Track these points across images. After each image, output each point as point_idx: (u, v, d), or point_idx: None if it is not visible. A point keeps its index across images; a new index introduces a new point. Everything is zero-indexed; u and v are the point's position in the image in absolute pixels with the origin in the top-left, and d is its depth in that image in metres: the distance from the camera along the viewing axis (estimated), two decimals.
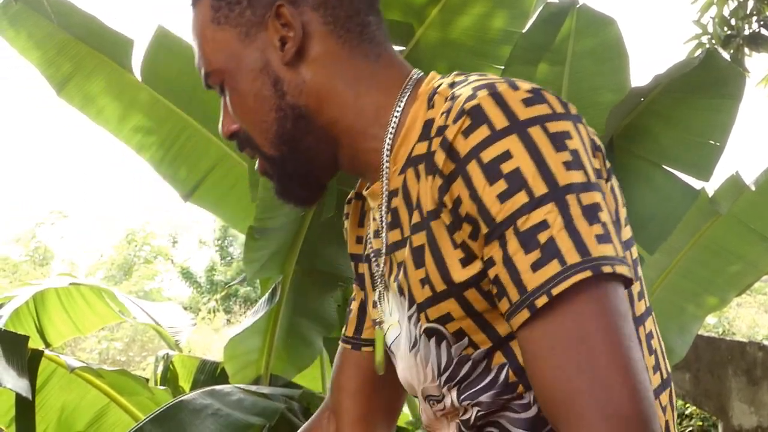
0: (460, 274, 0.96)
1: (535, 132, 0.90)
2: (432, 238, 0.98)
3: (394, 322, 1.13)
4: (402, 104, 1.08)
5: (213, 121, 3.66)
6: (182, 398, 2.80)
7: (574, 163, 0.90)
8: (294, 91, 1.08)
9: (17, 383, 2.59)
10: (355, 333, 1.35)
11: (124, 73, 3.65)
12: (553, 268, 0.86)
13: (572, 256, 0.86)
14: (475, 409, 1.02)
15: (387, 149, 1.07)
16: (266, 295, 3.53)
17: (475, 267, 0.94)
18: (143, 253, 19.62)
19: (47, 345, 4.26)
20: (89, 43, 3.60)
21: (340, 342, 1.39)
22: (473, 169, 0.91)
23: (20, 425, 2.87)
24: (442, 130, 0.95)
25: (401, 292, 1.06)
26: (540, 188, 0.88)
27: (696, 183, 3.26)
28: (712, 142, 3.25)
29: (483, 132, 0.91)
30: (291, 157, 1.12)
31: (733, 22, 6.61)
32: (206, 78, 1.14)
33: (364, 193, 1.16)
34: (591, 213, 0.88)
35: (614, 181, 1.04)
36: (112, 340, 12.25)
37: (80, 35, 3.58)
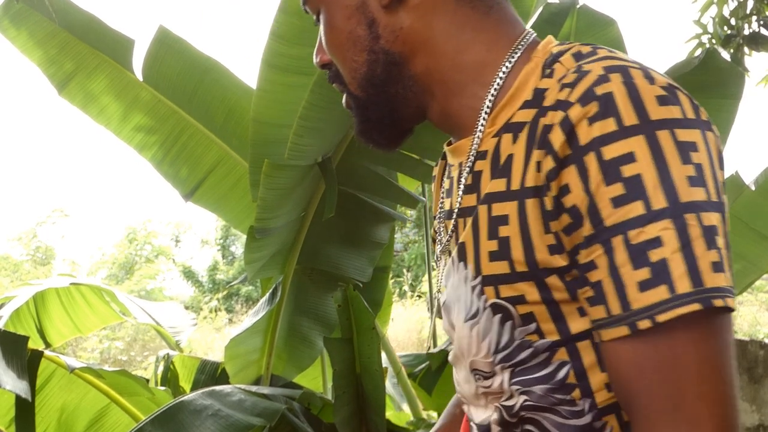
0: (546, 259, 0.91)
1: (664, 137, 0.85)
2: (523, 214, 0.92)
3: (445, 287, 1.09)
4: (509, 64, 1.01)
5: (214, 121, 3.70)
6: (182, 399, 2.80)
7: (698, 179, 0.85)
8: (389, 35, 1.04)
9: (17, 384, 2.59)
10: None
11: (126, 72, 3.66)
12: (662, 293, 0.82)
13: (683, 285, 0.82)
14: (523, 397, 0.97)
15: (486, 109, 1.00)
16: (267, 295, 3.53)
17: (563, 259, 0.90)
18: (145, 252, 19.61)
19: (47, 345, 4.27)
20: (90, 43, 3.61)
21: None
22: (591, 162, 0.86)
23: (20, 426, 2.87)
24: (564, 106, 0.89)
25: (462, 258, 1.01)
26: (659, 202, 0.83)
27: None
28: None
29: (609, 125, 0.86)
30: (376, 101, 1.09)
31: (733, 21, 6.60)
32: (304, 2, 1.12)
33: (446, 148, 1.12)
34: (709, 236, 0.84)
35: None
36: (113, 340, 12.25)
37: (81, 35, 3.59)
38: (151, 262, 18.87)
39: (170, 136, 3.77)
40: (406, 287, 16.65)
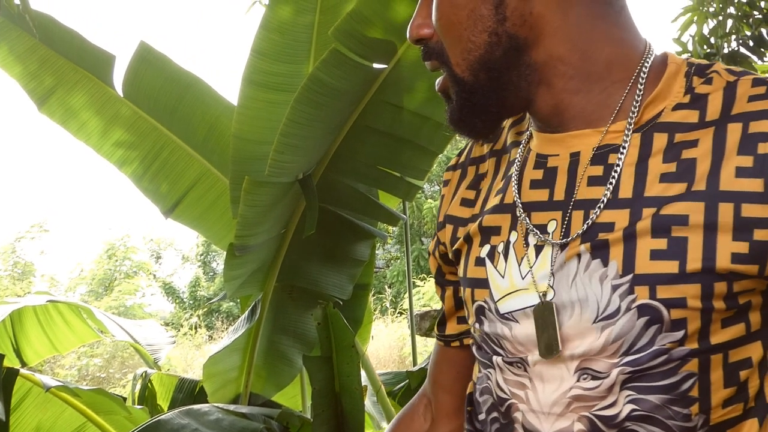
0: (725, 264, 0.90)
1: None
2: (713, 215, 0.91)
3: (531, 287, 1.02)
4: (648, 63, 1.01)
5: (195, 137, 3.68)
6: (159, 418, 2.77)
7: None
8: (517, 19, 0.99)
9: None
10: (440, 329, 1.31)
11: (106, 88, 3.64)
12: None
13: None
14: (631, 406, 0.95)
15: (633, 108, 0.99)
16: (246, 312, 3.51)
17: (748, 269, 0.90)
18: (124, 268, 19.51)
19: (24, 364, 4.22)
20: (71, 58, 3.59)
21: (435, 338, 1.35)
22: None
23: None
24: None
25: (600, 255, 0.96)
26: None
27: None
28: None
29: None
30: (486, 86, 1.02)
31: (712, 40, 6.65)
32: None
33: (543, 135, 1.06)
34: None
35: None
36: (91, 357, 12.16)
37: (62, 50, 3.57)
38: (130, 278, 18.78)
39: (151, 152, 3.74)
40: (387, 304, 16.64)
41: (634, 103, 0.99)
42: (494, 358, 1.08)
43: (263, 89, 3.21)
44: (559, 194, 1.02)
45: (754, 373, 0.96)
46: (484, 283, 1.08)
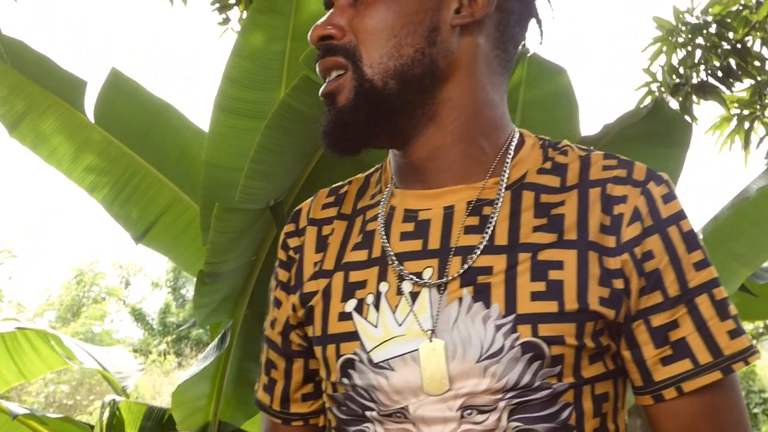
0: (595, 306, 1.00)
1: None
2: (584, 262, 1.01)
3: (410, 333, 1.04)
4: (516, 134, 1.13)
5: (166, 163, 3.68)
6: None
7: None
8: (443, 49, 1.07)
9: None
10: (282, 406, 1.26)
11: (77, 114, 3.63)
12: (747, 340, 1.02)
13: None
14: None
15: (505, 168, 1.09)
16: (216, 340, 3.50)
17: (610, 312, 1.01)
18: (92, 293, 19.34)
19: None
20: (42, 84, 3.57)
21: (263, 412, 1.30)
22: (674, 234, 1.03)
23: None
24: (634, 183, 1.04)
25: (482, 298, 1.01)
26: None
27: None
28: None
29: (679, 205, 1.05)
30: (391, 95, 1.06)
31: (681, 70, 6.74)
32: None
33: (415, 192, 1.11)
34: None
35: None
36: (59, 383, 12.02)
37: (33, 75, 3.56)
38: (98, 303, 18.61)
39: (122, 178, 3.73)
40: None
41: (505, 164, 1.09)
42: (367, 413, 1.07)
43: (234, 116, 3.21)
44: (434, 243, 1.07)
45: (610, 407, 1.06)
46: (352, 336, 1.07)
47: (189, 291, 20.91)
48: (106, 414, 3.84)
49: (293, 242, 1.23)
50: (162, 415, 3.73)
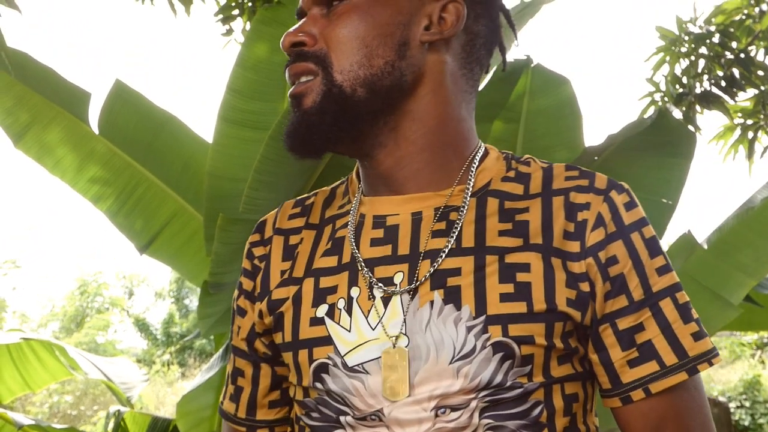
0: (563, 306, 1.03)
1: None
2: (549, 265, 1.05)
3: (383, 336, 1.05)
4: (482, 147, 1.17)
5: (169, 174, 3.69)
6: None
7: None
8: (411, 64, 1.10)
9: None
10: (249, 413, 1.26)
11: (81, 125, 3.64)
12: (710, 343, 1.06)
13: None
14: None
15: (471, 177, 1.12)
16: (220, 350, 3.49)
17: (577, 313, 1.04)
18: (96, 304, 19.35)
19: None
20: (47, 95, 3.59)
21: (227, 422, 1.29)
22: (636, 240, 1.07)
23: None
24: (597, 191, 1.08)
25: (452, 300, 1.04)
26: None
27: None
28: (665, 201, 3.31)
29: (640, 212, 1.09)
30: (358, 101, 1.08)
31: (685, 80, 6.74)
32: None
33: (380, 198, 1.14)
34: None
35: None
36: (62, 394, 12.01)
37: (38, 87, 3.57)
38: (102, 314, 18.62)
39: (126, 189, 3.74)
40: None
41: (471, 173, 1.13)
42: (341, 418, 1.07)
43: (238, 127, 3.22)
44: (404, 249, 1.10)
45: (579, 408, 1.09)
46: (325, 341, 1.09)
47: (192, 301, 20.93)
48: (111, 424, 3.84)
49: (258, 251, 1.24)
50: (167, 426, 3.73)
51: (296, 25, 1.13)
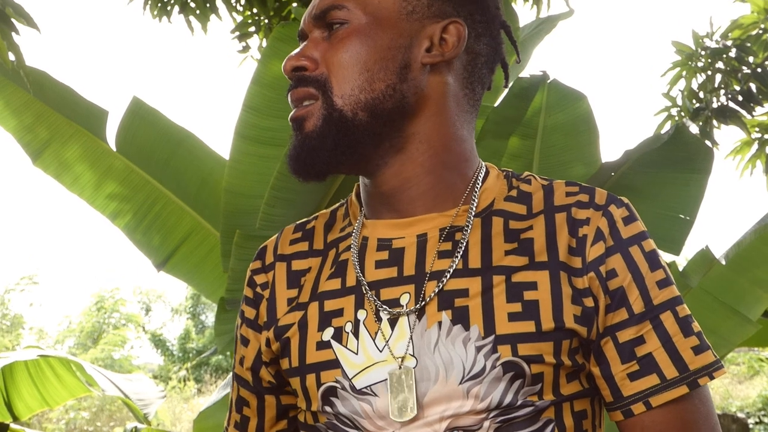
0: (570, 323, 1.03)
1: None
2: (556, 282, 1.05)
3: (390, 359, 1.05)
4: (483, 167, 1.17)
5: (187, 191, 3.70)
6: None
7: None
8: (413, 86, 1.10)
9: None
10: None
11: (99, 142, 3.67)
12: (711, 356, 1.06)
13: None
14: None
15: (474, 197, 1.13)
16: None
17: (581, 330, 1.04)
18: (113, 320, 19.41)
19: (15, 419, 4.19)
20: (65, 113, 3.62)
21: None
22: (636, 253, 1.07)
23: None
24: (594, 206, 1.09)
25: (460, 320, 1.04)
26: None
27: (667, 257, 3.28)
28: (683, 216, 3.29)
29: (640, 226, 1.09)
30: (359, 126, 1.08)
31: (701, 95, 6.73)
32: (333, 8, 1.11)
33: (384, 221, 1.13)
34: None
35: None
36: (79, 410, 12.04)
37: (56, 105, 3.60)
38: (118, 329, 18.66)
39: (143, 206, 3.76)
40: None
41: (474, 193, 1.13)
42: None
43: (255, 143, 3.23)
44: (410, 270, 1.09)
45: (589, 425, 1.09)
46: (333, 364, 1.08)
47: (208, 317, 20.96)
48: None
49: (260, 279, 1.23)
50: None
51: (298, 49, 1.13)
